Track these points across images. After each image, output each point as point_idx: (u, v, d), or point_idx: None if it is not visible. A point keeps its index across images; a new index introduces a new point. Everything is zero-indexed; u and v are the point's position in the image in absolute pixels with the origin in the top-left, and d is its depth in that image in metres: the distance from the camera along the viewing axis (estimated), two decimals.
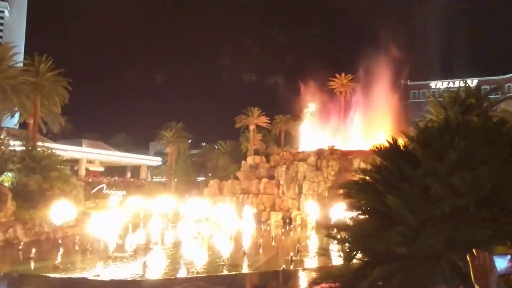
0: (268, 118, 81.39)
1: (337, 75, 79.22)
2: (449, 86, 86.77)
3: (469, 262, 2.24)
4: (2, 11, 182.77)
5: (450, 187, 4.38)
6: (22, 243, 28.22)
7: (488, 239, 4.11)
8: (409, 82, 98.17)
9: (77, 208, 38.74)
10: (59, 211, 32.05)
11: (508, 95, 57.25)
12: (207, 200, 50.74)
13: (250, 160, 63.93)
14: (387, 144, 5.39)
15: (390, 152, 5.30)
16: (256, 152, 71.96)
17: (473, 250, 2.26)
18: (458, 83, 77.50)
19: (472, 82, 57.47)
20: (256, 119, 79.50)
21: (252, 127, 79.05)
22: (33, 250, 24.84)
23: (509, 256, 2.28)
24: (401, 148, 5.33)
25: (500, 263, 2.27)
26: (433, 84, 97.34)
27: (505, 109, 33.54)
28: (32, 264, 23.66)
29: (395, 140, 5.31)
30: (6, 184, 35.85)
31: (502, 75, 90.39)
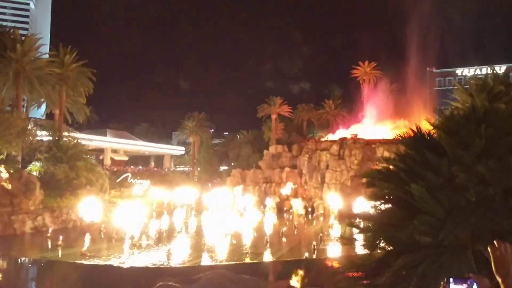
0: (290, 107, 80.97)
1: (360, 63, 78.13)
2: (476, 73, 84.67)
3: (491, 253, 2.21)
4: (28, 3, 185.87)
5: (477, 176, 4.29)
6: (50, 230, 28.94)
7: None
8: (434, 70, 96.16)
9: (102, 197, 39.51)
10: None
11: None
12: (230, 189, 51.11)
13: (272, 149, 63.89)
14: (411, 133, 5.31)
15: (415, 141, 5.23)
16: (279, 141, 71.76)
17: (495, 241, 2.22)
18: (485, 70, 75.58)
19: (500, 69, 55.85)
20: (278, 108, 79.13)
21: (274, 116, 78.76)
22: (61, 238, 25.47)
23: None
24: (426, 136, 5.25)
25: None
26: (459, 71, 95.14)
27: None
28: (60, 251, 24.27)
29: (419, 128, 5.23)
30: (34, 173, 36.72)
31: None
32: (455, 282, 2.26)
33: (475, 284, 2.24)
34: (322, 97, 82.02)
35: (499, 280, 2.15)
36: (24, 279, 19.53)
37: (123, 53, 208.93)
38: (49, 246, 25.92)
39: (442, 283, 2.29)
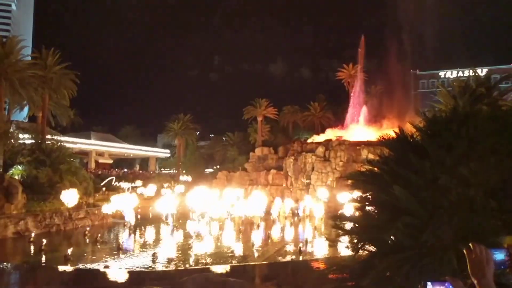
0: (276, 109, 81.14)
1: (345, 65, 78.65)
2: (458, 75, 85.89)
3: (467, 256, 2.25)
4: (10, 5, 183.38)
5: (458, 177, 4.35)
6: (33, 235, 28.50)
7: (496, 229, 4.08)
8: (418, 72, 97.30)
9: (86, 200, 39.12)
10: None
11: None
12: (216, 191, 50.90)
13: (258, 151, 63.95)
14: (394, 135, 5.37)
15: (398, 143, 5.28)
16: (265, 143, 71.89)
17: (470, 244, 2.27)
18: (467, 72, 76.67)
19: (482, 71, 56.80)
20: (264, 110, 79.20)
21: (260, 118, 78.82)
22: (44, 242, 25.12)
23: (506, 250, 2.30)
24: (409, 138, 5.31)
25: (498, 256, 2.29)
26: (442, 73, 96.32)
27: None
28: (43, 256, 23.93)
29: (402, 131, 5.29)
30: (16, 177, 36.15)
31: None
32: (433, 285, 2.31)
33: (451, 286, 2.29)
34: (308, 99, 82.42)
35: (475, 281, 2.19)
36: (6, 285, 19.19)
37: (107, 55, 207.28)
38: (32, 251, 25.54)
39: (419, 286, 2.33)
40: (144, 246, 28.04)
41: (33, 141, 42.11)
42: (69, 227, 33.95)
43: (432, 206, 4.36)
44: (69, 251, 22.84)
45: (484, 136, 4.61)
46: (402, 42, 71.65)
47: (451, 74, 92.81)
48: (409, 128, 5.67)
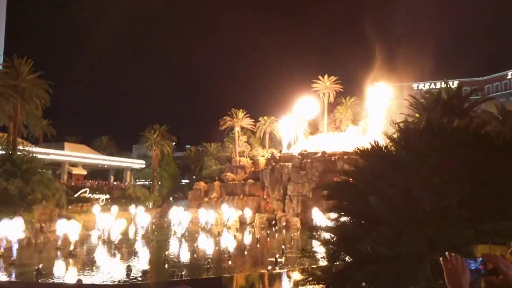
0: (252, 120, 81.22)
1: (320, 77, 79.48)
2: (430, 87, 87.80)
3: (443, 265, 2.29)
4: None
5: (432, 187, 4.42)
6: (2, 248, 27.67)
7: (469, 238, 4.16)
8: (392, 83, 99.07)
9: (59, 213, 38.26)
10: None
11: (488, 96, 58.28)
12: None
13: (235, 162, 63.90)
14: (369, 146, 5.43)
15: (372, 154, 5.34)
16: (241, 154, 71.87)
17: (446, 253, 2.31)
18: (439, 85, 78.48)
19: (453, 84, 58.26)
20: (241, 120, 79.16)
21: (237, 128, 78.74)
22: (14, 256, 24.41)
23: (481, 259, 2.35)
24: (383, 149, 5.38)
25: (473, 265, 2.33)
26: (415, 85, 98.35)
27: (485, 110, 34.11)
28: (14, 270, 23.25)
29: (377, 142, 5.35)
30: None
31: (482, 76, 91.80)
32: None
33: None
34: (284, 110, 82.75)
35: None
36: None
37: (81, 65, 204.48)
38: (2, 265, 24.78)
39: None
40: (118, 259, 27.53)
41: (3, 152, 41.07)
42: (40, 240, 33.09)
43: (407, 216, 4.42)
44: (41, 265, 22.24)
45: (456, 147, 4.70)
46: (376, 54, 73.07)
47: (424, 86, 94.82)
48: (383, 139, 5.75)
